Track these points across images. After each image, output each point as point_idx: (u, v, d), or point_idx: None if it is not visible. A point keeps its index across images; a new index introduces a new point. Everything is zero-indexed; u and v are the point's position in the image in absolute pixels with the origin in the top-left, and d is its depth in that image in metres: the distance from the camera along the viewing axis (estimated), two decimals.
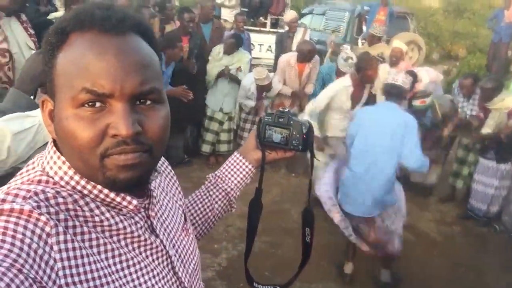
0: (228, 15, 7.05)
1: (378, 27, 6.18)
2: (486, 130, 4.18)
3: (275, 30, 7.81)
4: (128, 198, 0.71)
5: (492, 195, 4.30)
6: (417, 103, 4.08)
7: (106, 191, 0.68)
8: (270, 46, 7.69)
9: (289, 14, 6.47)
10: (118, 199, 0.70)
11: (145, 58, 0.67)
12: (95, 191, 0.68)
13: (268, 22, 7.75)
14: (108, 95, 0.63)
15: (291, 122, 1.03)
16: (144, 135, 0.66)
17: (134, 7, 4.54)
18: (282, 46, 6.20)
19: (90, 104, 0.63)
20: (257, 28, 7.54)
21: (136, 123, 0.65)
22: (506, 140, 4.00)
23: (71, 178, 0.68)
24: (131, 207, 0.71)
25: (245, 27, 6.22)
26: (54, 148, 0.71)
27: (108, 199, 0.69)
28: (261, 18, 7.73)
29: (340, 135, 3.96)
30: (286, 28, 6.48)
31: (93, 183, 0.68)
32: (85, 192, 0.68)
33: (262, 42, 7.58)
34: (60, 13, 3.98)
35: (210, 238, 3.57)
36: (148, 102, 0.68)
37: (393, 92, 3.16)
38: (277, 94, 5.16)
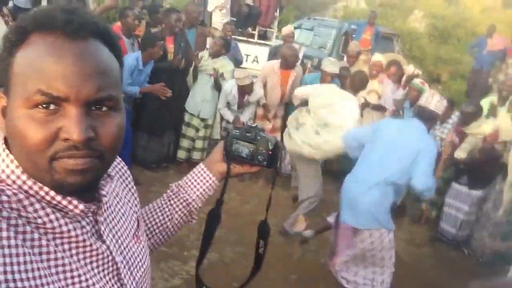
0: (218, 23, 7.07)
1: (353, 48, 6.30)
2: (460, 154, 4.25)
3: (262, 41, 7.86)
4: (75, 202, 0.70)
5: (462, 220, 4.38)
6: (417, 81, 4.18)
7: (52, 193, 0.68)
8: (256, 57, 7.72)
9: (287, 28, 6.56)
10: (64, 202, 0.69)
11: (104, 64, 0.67)
12: (42, 193, 0.67)
13: (256, 33, 7.79)
14: (64, 98, 0.63)
15: (258, 137, 1.04)
16: (97, 141, 0.66)
17: (119, 9, 4.50)
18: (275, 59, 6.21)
19: (44, 106, 0.63)
20: (245, 39, 7.57)
21: (89, 128, 0.65)
22: (480, 165, 4.07)
23: (18, 177, 0.67)
24: (77, 211, 0.70)
25: (233, 36, 6.25)
26: (4, 146, 0.70)
27: (54, 202, 0.68)
28: (249, 29, 7.76)
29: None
30: (279, 41, 6.54)
31: (40, 184, 0.67)
32: (31, 192, 0.67)
33: (249, 52, 7.60)
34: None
35: (181, 246, 3.54)
36: (104, 108, 0.68)
37: (424, 116, 3.05)
38: (259, 105, 5.19)
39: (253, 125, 1.07)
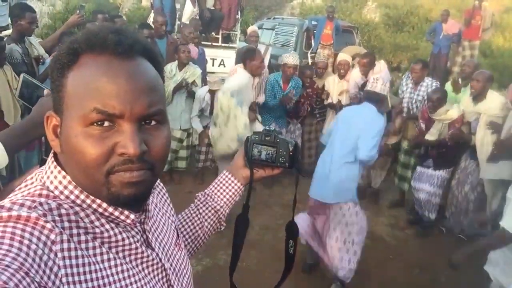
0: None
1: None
2: (430, 138, 4.42)
3: (226, 44, 7.90)
4: (126, 212, 0.73)
5: (427, 200, 4.48)
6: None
7: (104, 205, 0.71)
8: (222, 60, 7.76)
9: (250, 28, 6.66)
10: (116, 213, 0.72)
11: (152, 81, 0.71)
12: (94, 205, 0.71)
13: (220, 37, 7.82)
14: (118, 115, 0.66)
15: (277, 140, 1.07)
16: (148, 154, 0.70)
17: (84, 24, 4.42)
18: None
19: (99, 123, 0.66)
20: (209, 43, 7.59)
21: (142, 142, 0.68)
22: (451, 141, 4.24)
23: (71, 192, 0.70)
24: (128, 221, 0.74)
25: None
26: (55, 163, 0.73)
27: (106, 213, 0.72)
28: (213, 33, 7.79)
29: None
30: (243, 43, 6.56)
31: (92, 198, 0.70)
32: (84, 206, 0.70)
33: (215, 56, 7.63)
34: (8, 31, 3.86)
35: None
36: (153, 122, 0.71)
37: (372, 98, 3.45)
38: None
39: (271, 128, 1.10)
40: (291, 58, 5.00)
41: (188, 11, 6.97)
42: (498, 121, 3.98)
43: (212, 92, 4.87)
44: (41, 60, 3.90)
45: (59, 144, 0.71)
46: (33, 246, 0.60)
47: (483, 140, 4.09)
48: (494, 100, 4.12)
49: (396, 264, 3.98)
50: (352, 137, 3.29)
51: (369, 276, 3.71)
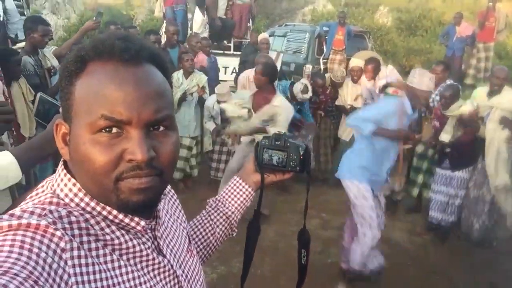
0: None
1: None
2: (445, 136, 4.35)
3: (239, 53, 7.94)
4: (136, 219, 0.73)
5: (448, 203, 4.40)
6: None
7: (115, 212, 0.71)
8: (234, 69, 7.79)
9: (261, 36, 6.66)
10: (127, 220, 0.72)
11: (160, 87, 0.71)
12: (104, 212, 0.70)
13: (232, 45, 7.87)
14: (126, 122, 0.66)
15: (288, 144, 1.06)
16: (157, 159, 0.69)
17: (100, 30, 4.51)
18: (246, 65, 6.26)
19: (107, 130, 0.67)
20: (221, 51, 7.65)
21: (151, 148, 0.68)
22: (463, 146, 4.18)
23: (81, 200, 0.70)
24: (139, 227, 0.73)
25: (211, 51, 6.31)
26: (65, 171, 0.72)
27: (116, 220, 0.71)
28: (224, 41, 7.85)
29: None
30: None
31: (102, 205, 0.70)
32: (95, 213, 0.70)
33: (227, 65, 7.68)
34: (23, 44, 3.93)
35: None
36: (161, 128, 0.71)
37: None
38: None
39: (281, 132, 1.09)
40: (300, 95, 4.91)
41: (198, 21, 7.04)
42: (510, 117, 3.93)
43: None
44: (53, 71, 3.96)
45: (68, 152, 0.72)
46: (43, 255, 0.60)
47: (493, 136, 4.04)
48: (508, 95, 4.09)
49: (413, 270, 3.91)
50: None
51: (386, 282, 3.65)
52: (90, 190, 0.70)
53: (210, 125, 5.09)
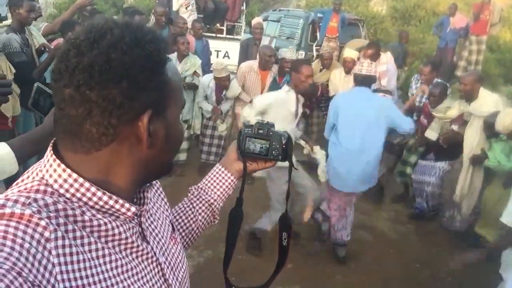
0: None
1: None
2: (431, 133, 4.40)
3: (231, 36, 7.88)
4: (127, 205, 0.73)
5: (429, 192, 4.50)
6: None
7: (105, 198, 0.70)
8: (227, 52, 7.74)
9: (255, 20, 6.59)
10: (117, 206, 0.72)
11: None
12: (95, 198, 0.70)
13: (225, 28, 7.79)
14: None
15: (271, 133, 1.08)
16: None
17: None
18: (247, 53, 6.23)
19: None
20: (214, 35, 7.58)
21: None
22: (445, 144, 4.24)
23: (71, 185, 0.69)
24: (129, 213, 0.74)
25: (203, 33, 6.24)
26: (54, 156, 0.72)
27: (106, 206, 0.71)
28: (217, 24, 7.77)
29: None
30: (247, 35, 6.53)
31: (92, 191, 0.69)
32: (84, 199, 0.69)
33: (219, 48, 7.63)
34: (8, 21, 3.85)
35: None
36: None
37: (365, 81, 3.67)
38: (237, 100, 5.21)
39: (264, 121, 1.10)
40: (289, 53, 5.01)
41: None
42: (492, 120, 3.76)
43: (218, 80, 4.86)
44: (43, 49, 3.90)
45: (149, 142, 0.73)
46: (27, 245, 0.60)
47: (471, 142, 4.04)
48: (485, 101, 4.03)
49: (395, 259, 3.98)
50: (370, 122, 3.49)
51: (369, 270, 3.72)
52: (158, 166, 0.79)
53: (206, 105, 5.08)
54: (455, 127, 4.25)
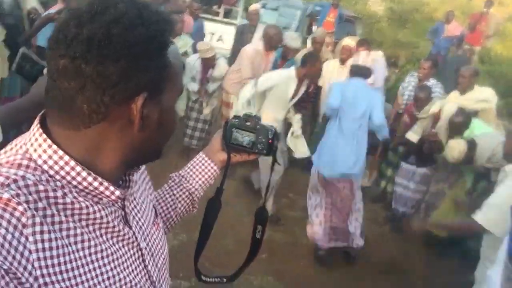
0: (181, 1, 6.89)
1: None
2: (413, 136, 4.44)
3: (227, 20, 7.78)
4: (111, 188, 0.71)
5: (409, 197, 4.55)
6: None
7: (90, 179, 0.68)
8: (220, 36, 7.65)
9: (253, 6, 6.51)
10: (101, 188, 0.70)
11: None
12: (79, 178, 0.68)
13: (222, 12, 7.69)
14: None
15: (258, 126, 1.06)
16: None
17: None
18: (242, 39, 6.14)
19: None
20: (210, 17, 7.47)
21: None
22: (427, 147, 4.28)
23: (55, 162, 0.67)
24: (113, 197, 0.72)
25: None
26: (41, 130, 0.68)
27: (90, 187, 0.69)
28: (215, 7, 7.66)
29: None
30: (244, 20, 6.44)
31: (77, 170, 0.67)
32: (68, 178, 0.67)
33: (214, 31, 7.52)
34: None
35: None
36: None
37: (361, 72, 3.82)
38: (224, 86, 5.12)
39: (252, 114, 1.08)
40: (293, 42, 4.90)
41: None
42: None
43: (204, 60, 4.79)
44: (32, 16, 3.79)
45: (141, 124, 0.70)
46: (2, 231, 0.58)
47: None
48: (481, 90, 4.46)
49: (371, 259, 4.02)
50: (364, 111, 3.60)
51: (344, 269, 3.75)
52: (151, 149, 0.77)
53: (193, 86, 5.01)
54: (435, 131, 4.30)
